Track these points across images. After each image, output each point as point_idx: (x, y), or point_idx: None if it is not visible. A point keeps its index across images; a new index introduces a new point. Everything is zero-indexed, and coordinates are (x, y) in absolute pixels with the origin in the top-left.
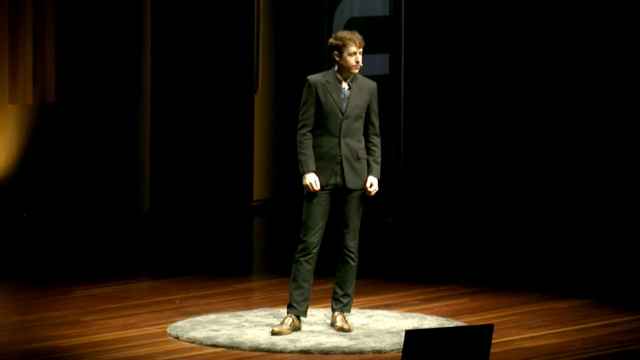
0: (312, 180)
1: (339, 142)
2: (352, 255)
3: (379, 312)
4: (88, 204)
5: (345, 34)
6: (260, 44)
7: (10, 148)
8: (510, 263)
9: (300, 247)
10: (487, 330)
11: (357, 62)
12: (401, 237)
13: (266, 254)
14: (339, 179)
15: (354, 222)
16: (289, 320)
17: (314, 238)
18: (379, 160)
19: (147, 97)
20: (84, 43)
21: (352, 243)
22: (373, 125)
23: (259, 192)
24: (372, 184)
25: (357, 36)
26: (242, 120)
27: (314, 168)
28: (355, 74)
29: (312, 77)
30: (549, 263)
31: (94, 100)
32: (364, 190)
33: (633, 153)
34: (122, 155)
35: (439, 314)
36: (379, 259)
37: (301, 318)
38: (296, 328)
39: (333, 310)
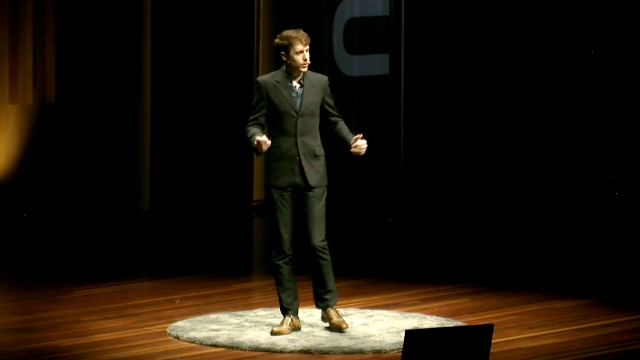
0: (258, 138)
1: (296, 142)
2: (323, 253)
3: (379, 312)
4: (88, 204)
5: (290, 32)
6: (260, 44)
7: (10, 148)
8: (510, 263)
9: (275, 252)
10: (487, 330)
11: (305, 60)
12: (401, 237)
13: (266, 254)
14: (298, 179)
15: (319, 220)
16: (288, 320)
17: (286, 239)
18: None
19: (147, 97)
20: (84, 43)
21: (319, 240)
22: (332, 108)
23: (259, 192)
24: (357, 138)
25: (302, 34)
26: (242, 121)
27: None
28: (305, 72)
29: (261, 78)
30: (549, 263)
31: (94, 100)
32: (324, 187)
33: (633, 153)
34: (122, 155)
35: (439, 314)
36: (379, 259)
37: (300, 317)
38: (296, 327)
39: (321, 309)
